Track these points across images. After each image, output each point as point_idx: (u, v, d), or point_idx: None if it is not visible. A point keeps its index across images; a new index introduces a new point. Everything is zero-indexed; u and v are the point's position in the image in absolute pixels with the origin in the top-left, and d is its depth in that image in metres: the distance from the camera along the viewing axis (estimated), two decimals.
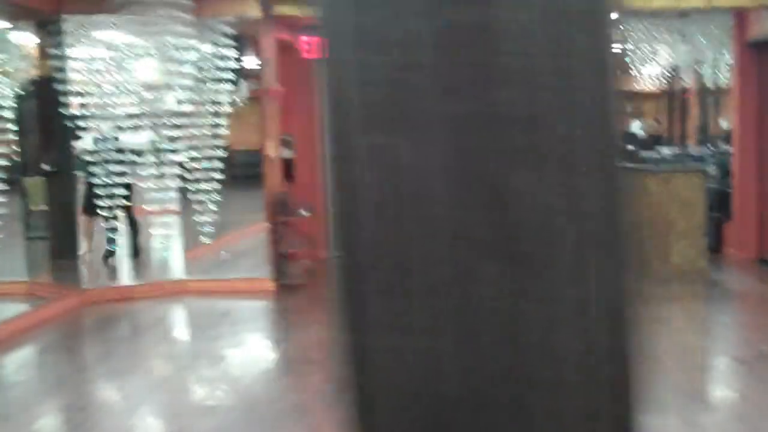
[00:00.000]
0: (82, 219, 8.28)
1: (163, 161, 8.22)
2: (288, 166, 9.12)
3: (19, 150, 7.53)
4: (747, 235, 8.75)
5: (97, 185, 8.01)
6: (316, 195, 9.69)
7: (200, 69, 8.11)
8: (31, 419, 4.78)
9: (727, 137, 10.29)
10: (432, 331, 1.75)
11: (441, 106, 1.70)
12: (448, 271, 1.72)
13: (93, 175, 8.05)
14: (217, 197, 8.25)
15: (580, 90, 1.67)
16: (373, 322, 1.79)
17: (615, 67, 1.68)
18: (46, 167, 8.14)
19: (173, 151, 8.12)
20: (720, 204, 8.94)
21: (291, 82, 8.89)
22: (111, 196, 8.04)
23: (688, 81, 12.74)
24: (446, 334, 1.73)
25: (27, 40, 8.03)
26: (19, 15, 7.58)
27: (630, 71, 11.68)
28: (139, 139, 8.18)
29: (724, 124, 11.64)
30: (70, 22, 7.70)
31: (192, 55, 8.04)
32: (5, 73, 7.60)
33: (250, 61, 9.36)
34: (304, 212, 8.50)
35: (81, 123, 7.77)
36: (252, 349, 6.45)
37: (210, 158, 8.23)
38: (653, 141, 12.54)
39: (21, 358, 6.37)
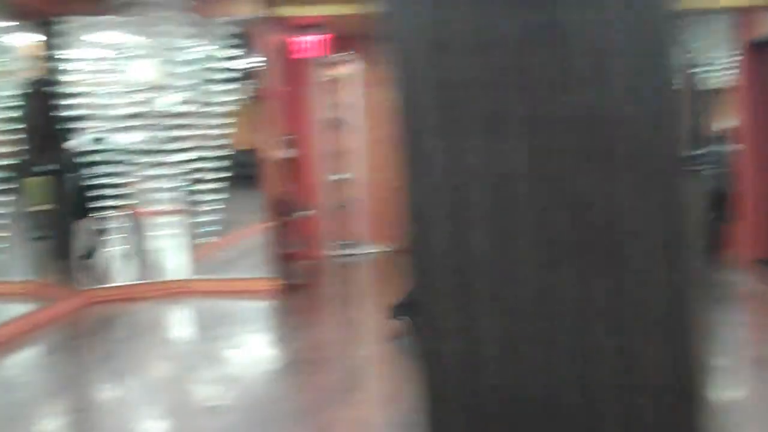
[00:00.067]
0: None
1: (163, 161, 8.22)
2: (289, 166, 9.13)
3: (20, 150, 7.53)
4: (748, 235, 8.76)
5: (89, 186, 8.00)
6: (316, 195, 9.71)
7: (201, 69, 8.12)
8: (34, 420, 4.79)
9: (721, 138, 10.29)
10: (508, 338, 1.73)
11: (518, 108, 1.69)
12: (525, 276, 1.71)
13: (85, 175, 8.03)
14: (218, 197, 8.26)
15: (651, 90, 1.67)
16: (447, 326, 1.77)
17: (683, 68, 1.67)
18: (47, 167, 8.13)
19: (174, 152, 8.12)
20: (717, 205, 8.95)
21: (292, 82, 8.91)
22: (103, 197, 8.05)
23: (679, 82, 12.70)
24: (523, 340, 1.72)
25: (28, 40, 8.02)
26: (19, 15, 7.58)
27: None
28: (132, 139, 8.15)
29: (718, 124, 11.63)
30: (70, 23, 7.71)
31: (193, 56, 8.04)
32: (6, 73, 7.60)
33: (251, 61, 9.35)
34: (305, 212, 8.52)
35: (78, 123, 7.78)
36: (255, 349, 6.46)
37: (211, 158, 8.24)
38: None
39: (24, 359, 6.38)
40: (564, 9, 1.65)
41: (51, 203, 8.04)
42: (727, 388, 5.38)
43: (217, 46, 8.19)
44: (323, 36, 8.88)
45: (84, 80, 7.84)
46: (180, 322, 7.74)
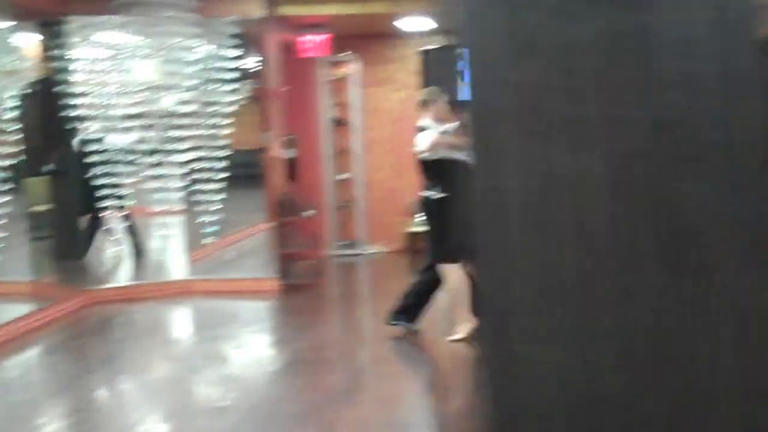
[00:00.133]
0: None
1: (164, 161, 8.21)
2: (290, 166, 9.13)
3: (22, 150, 7.52)
4: None
5: (90, 186, 7.99)
6: (318, 194, 9.69)
7: (203, 69, 8.11)
8: (35, 421, 4.78)
9: None
10: (587, 344, 1.71)
11: (600, 111, 1.64)
12: (605, 282, 1.66)
13: (85, 175, 8.02)
14: (220, 197, 8.25)
15: (743, 94, 1.63)
16: (522, 331, 1.73)
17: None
18: (48, 167, 8.13)
19: (175, 151, 8.11)
20: None
21: (293, 81, 8.90)
22: (103, 197, 8.04)
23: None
24: (602, 347, 1.67)
25: (30, 40, 8.02)
26: (22, 15, 7.57)
27: None
28: (132, 138, 8.14)
29: None
30: (73, 23, 7.70)
31: (194, 55, 8.03)
32: (8, 73, 7.59)
33: (253, 61, 9.35)
34: (306, 212, 8.51)
35: (78, 123, 7.77)
36: (256, 350, 6.44)
37: (213, 158, 8.23)
38: None
39: (25, 360, 6.37)
40: (648, 11, 1.60)
41: (51, 203, 8.03)
42: None
43: (219, 46, 8.18)
44: (325, 36, 8.88)
45: (85, 80, 7.83)
46: (181, 323, 7.73)
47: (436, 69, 8.44)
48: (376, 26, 9.21)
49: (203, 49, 8.13)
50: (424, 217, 6.21)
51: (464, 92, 8.45)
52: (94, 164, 7.94)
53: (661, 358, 1.68)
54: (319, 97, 9.90)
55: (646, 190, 1.67)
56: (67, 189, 8.04)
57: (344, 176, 10.00)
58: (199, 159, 8.19)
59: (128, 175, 8.11)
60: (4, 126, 7.34)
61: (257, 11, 7.98)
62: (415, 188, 6.67)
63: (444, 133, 5.96)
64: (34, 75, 8.05)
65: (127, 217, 8.76)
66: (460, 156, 5.93)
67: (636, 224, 1.68)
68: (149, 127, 8.07)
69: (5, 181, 7.27)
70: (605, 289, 1.71)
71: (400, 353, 6.08)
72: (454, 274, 5.94)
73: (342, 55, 9.66)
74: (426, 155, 5.96)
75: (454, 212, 5.95)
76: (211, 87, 8.16)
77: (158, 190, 8.22)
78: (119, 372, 5.79)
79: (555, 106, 1.70)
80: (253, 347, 6.50)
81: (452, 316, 6.13)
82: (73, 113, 7.78)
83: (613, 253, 1.69)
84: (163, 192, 8.22)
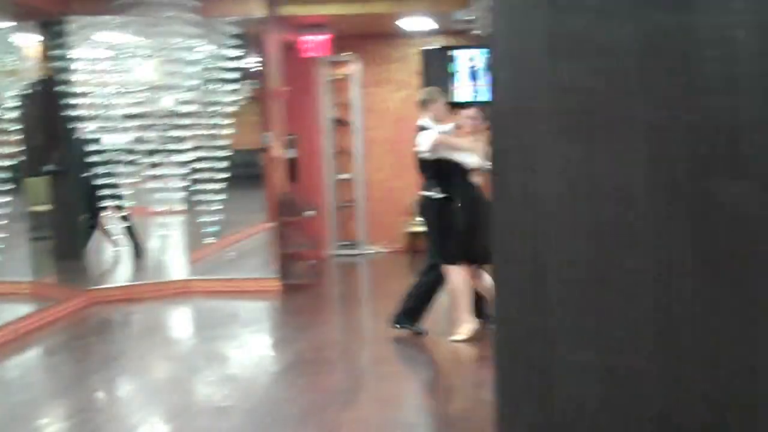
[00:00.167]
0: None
1: (164, 161, 8.20)
2: (291, 166, 9.12)
3: (23, 150, 7.52)
4: None
5: (90, 185, 7.98)
6: (318, 194, 9.69)
7: (203, 69, 8.10)
8: (36, 421, 4.78)
9: None
10: (628, 349, 1.67)
11: (642, 114, 1.63)
12: (648, 286, 1.65)
13: (86, 175, 8.01)
14: (220, 197, 8.25)
15: None
16: (562, 335, 1.73)
17: None
18: (48, 167, 8.12)
19: (175, 151, 8.10)
20: None
21: (294, 81, 8.89)
22: (104, 197, 8.03)
23: None
24: (643, 352, 1.66)
25: (31, 40, 8.01)
26: (22, 15, 7.57)
27: None
28: (124, 139, 8.12)
29: None
30: (73, 23, 7.69)
31: (196, 55, 8.03)
32: (8, 73, 7.59)
33: (254, 61, 9.35)
34: (308, 212, 8.50)
35: (79, 123, 7.76)
36: (257, 350, 6.44)
37: (213, 158, 8.23)
38: None
39: (25, 360, 6.36)
40: (689, 12, 1.58)
41: (52, 203, 8.03)
42: None
43: (220, 46, 8.17)
44: (326, 36, 8.87)
45: (85, 80, 7.83)
46: (182, 323, 7.73)
47: (437, 69, 8.45)
48: (376, 26, 9.21)
49: (204, 49, 8.13)
50: (424, 217, 6.21)
51: (474, 94, 8.45)
52: (94, 164, 7.93)
53: (703, 366, 1.65)
54: (319, 97, 9.90)
55: (689, 194, 1.64)
56: (67, 189, 8.03)
57: (345, 176, 10.00)
58: (200, 159, 8.19)
59: (128, 175, 8.10)
60: (4, 126, 7.34)
61: (258, 11, 7.98)
62: (415, 188, 6.67)
63: (444, 133, 5.97)
64: (34, 75, 8.04)
65: (126, 218, 8.75)
66: (460, 158, 5.93)
67: (678, 228, 1.65)
68: (149, 127, 8.06)
69: (5, 181, 7.27)
70: (648, 295, 1.68)
71: (400, 353, 6.08)
72: (455, 275, 5.94)
73: (343, 55, 9.66)
74: (426, 155, 5.96)
75: (454, 213, 5.95)
76: (211, 87, 8.16)
77: (158, 190, 8.21)
78: (120, 372, 5.79)
79: (597, 108, 1.67)
80: (253, 347, 6.50)
81: (453, 317, 6.13)
82: (73, 113, 7.77)
83: (656, 258, 1.66)
84: (164, 192, 8.21)
